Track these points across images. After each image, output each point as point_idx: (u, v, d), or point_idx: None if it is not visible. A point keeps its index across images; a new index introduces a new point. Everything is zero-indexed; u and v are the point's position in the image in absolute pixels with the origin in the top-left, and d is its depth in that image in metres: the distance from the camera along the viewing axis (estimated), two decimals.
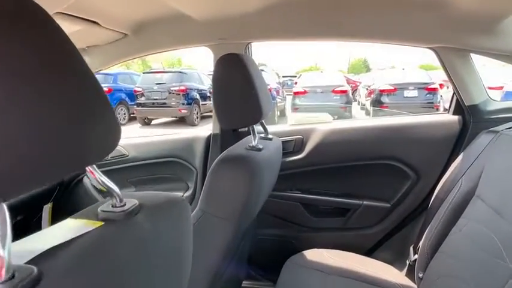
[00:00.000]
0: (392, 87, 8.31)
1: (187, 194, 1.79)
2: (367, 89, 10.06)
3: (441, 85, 8.91)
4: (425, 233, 1.23)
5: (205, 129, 1.80)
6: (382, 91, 8.40)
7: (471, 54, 1.43)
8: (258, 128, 1.15)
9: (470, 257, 0.94)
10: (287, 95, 10.87)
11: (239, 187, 0.98)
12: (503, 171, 0.98)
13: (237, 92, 1.02)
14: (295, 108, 8.06)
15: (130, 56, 1.56)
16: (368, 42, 1.45)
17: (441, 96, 8.35)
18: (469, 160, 1.19)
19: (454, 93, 1.54)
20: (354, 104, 9.77)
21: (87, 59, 0.42)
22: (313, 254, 1.40)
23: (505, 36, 1.25)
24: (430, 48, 1.43)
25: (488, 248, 0.87)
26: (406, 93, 8.21)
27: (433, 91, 8.19)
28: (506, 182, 0.94)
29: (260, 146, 1.10)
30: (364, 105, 10.28)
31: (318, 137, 1.62)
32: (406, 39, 1.39)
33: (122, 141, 1.81)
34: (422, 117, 1.69)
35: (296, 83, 9.88)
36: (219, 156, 1.02)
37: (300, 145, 1.65)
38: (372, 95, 8.88)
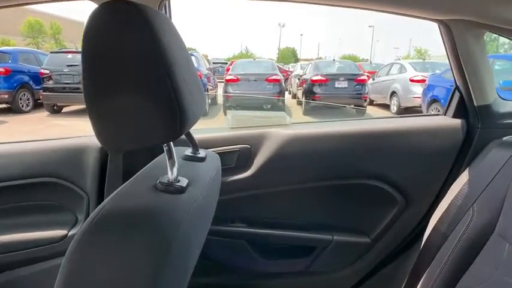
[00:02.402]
0: (324, 78, 8.51)
1: (75, 231, 1.19)
2: (298, 78, 10.23)
3: (368, 76, 9.30)
4: (421, 279, 0.99)
5: None
6: (313, 81, 8.56)
7: (486, 33, 1.08)
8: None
9: None
10: (218, 82, 10.65)
11: (136, 277, 0.45)
12: None
13: (133, 78, 0.47)
14: (228, 96, 7.74)
15: None
16: (356, 7, 1.01)
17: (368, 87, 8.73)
18: (480, 181, 0.96)
19: (455, 89, 1.17)
20: (285, 94, 9.89)
21: None
22: None
23: None
24: (438, 21, 1.08)
25: None
26: (337, 84, 8.48)
27: (362, 82, 8.53)
28: None
29: (183, 183, 0.58)
30: (295, 94, 10.39)
31: (272, 147, 1.19)
32: (409, 8, 1.02)
33: None
34: (412, 120, 1.33)
35: (228, 69, 9.62)
36: (95, 211, 0.48)
37: (246, 158, 1.20)
38: (304, 85, 9.00)
